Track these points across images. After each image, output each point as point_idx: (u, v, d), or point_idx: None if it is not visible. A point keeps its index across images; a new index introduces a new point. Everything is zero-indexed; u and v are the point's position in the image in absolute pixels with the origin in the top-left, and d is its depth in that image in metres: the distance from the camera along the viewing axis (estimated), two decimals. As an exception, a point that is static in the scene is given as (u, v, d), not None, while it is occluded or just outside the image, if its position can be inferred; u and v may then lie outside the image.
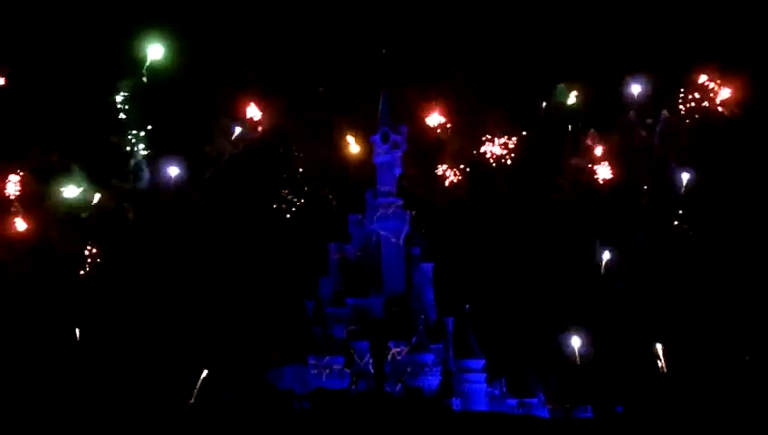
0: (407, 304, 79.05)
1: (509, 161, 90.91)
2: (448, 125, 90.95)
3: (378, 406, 71.79)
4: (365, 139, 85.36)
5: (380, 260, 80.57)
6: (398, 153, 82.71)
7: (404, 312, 78.52)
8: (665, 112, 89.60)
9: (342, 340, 77.55)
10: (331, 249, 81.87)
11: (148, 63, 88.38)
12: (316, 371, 75.96)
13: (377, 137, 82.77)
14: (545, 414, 76.48)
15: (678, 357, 79.19)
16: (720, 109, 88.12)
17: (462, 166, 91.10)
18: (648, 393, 76.74)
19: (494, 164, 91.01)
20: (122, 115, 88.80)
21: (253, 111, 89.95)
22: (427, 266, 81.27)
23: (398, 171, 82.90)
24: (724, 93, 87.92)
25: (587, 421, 73.72)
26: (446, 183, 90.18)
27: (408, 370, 75.73)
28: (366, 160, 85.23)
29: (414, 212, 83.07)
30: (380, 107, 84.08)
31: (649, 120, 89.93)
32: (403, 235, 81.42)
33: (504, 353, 79.90)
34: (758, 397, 68.40)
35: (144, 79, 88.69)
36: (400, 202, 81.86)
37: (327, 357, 76.30)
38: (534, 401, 77.57)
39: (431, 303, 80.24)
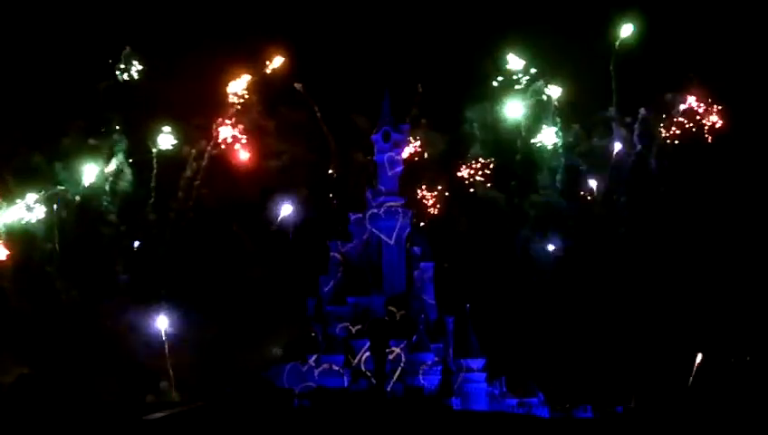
0: (407, 303, 78.96)
1: (489, 184, 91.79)
2: (425, 153, 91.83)
3: (377, 405, 71.45)
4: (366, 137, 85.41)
5: (381, 259, 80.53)
6: (400, 152, 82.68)
7: (404, 311, 78.45)
8: (642, 111, 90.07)
9: (343, 338, 77.47)
10: (331, 247, 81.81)
11: (128, 64, 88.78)
12: (316, 369, 75.93)
13: (378, 136, 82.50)
14: (545, 414, 76.39)
15: (679, 357, 79.24)
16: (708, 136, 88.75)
17: (440, 187, 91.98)
18: (648, 393, 76.70)
19: (471, 189, 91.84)
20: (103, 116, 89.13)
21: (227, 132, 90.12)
22: (428, 266, 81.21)
23: (399, 170, 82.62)
24: (712, 118, 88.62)
25: (587, 421, 73.56)
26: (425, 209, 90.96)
27: (408, 369, 75.67)
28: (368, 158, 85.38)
29: (415, 211, 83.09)
30: (382, 105, 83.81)
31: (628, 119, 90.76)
32: (403, 233, 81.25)
33: (504, 353, 79.88)
34: (758, 397, 68.30)
35: (125, 78, 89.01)
36: (401, 201, 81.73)
37: (327, 355, 76.23)
38: (534, 400, 77.48)
39: (432, 302, 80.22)
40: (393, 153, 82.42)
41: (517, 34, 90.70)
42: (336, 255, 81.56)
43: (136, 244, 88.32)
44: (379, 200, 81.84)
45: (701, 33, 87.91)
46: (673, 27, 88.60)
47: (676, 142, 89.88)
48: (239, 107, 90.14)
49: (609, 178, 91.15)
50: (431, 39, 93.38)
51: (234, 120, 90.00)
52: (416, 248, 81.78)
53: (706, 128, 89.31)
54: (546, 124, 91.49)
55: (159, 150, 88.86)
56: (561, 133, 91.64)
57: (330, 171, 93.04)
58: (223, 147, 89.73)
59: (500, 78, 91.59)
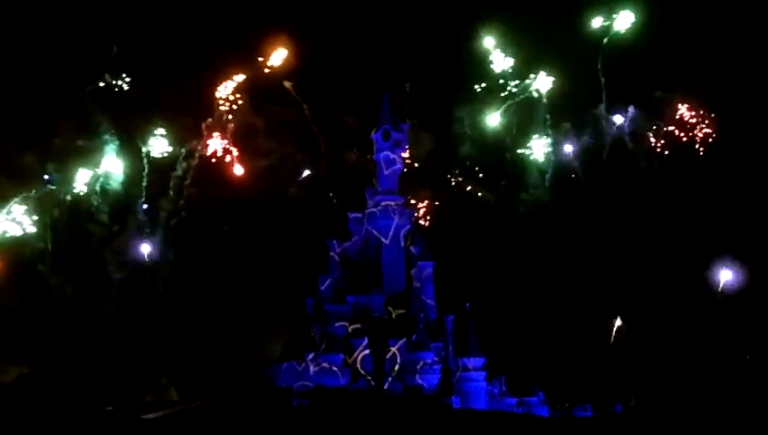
0: (407, 303, 78.73)
1: (480, 193, 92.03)
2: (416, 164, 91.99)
3: (377, 404, 71.34)
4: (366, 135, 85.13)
5: (381, 258, 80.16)
6: (400, 151, 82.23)
7: (404, 310, 78.25)
8: (631, 109, 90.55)
9: (342, 337, 77.13)
10: (330, 246, 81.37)
11: (117, 64, 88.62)
12: (315, 368, 75.65)
13: (378, 135, 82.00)
14: (545, 413, 76.47)
15: (679, 357, 79.57)
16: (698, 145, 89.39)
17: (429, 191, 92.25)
18: (648, 393, 76.93)
19: (461, 194, 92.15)
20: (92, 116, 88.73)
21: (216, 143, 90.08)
22: (427, 265, 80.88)
23: (399, 169, 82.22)
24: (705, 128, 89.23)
25: (587, 421, 73.67)
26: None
27: (408, 368, 75.48)
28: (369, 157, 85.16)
29: (414, 210, 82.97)
30: (382, 104, 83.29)
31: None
32: (401, 232, 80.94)
33: (504, 352, 79.94)
34: (758, 397, 68.62)
35: (115, 82, 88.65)
36: (401, 200, 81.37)
37: (326, 355, 75.92)
38: (534, 399, 77.53)
39: (431, 301, 79.92)
40: (391, 152, 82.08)
41: (507, 30, 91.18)
42: (335, 254, 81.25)
43: (145, 206, 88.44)
44: (376, 199, 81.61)
45: (694, 35, 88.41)
46: (667, 27, 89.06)
47: (666, 153, 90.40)
48: (231, 116, 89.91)
49: (600, 176, 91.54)
50: (421, 38, 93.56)
51: (224, 123, 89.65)
52: (414, 247, 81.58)
53: (698, 139, 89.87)
54: (536, 132, 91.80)
55: (150, 151, 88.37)
56: (550, 131, 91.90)
57: (314, 173, 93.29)
58: (213, 160, 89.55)
59: (484, 84, 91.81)
